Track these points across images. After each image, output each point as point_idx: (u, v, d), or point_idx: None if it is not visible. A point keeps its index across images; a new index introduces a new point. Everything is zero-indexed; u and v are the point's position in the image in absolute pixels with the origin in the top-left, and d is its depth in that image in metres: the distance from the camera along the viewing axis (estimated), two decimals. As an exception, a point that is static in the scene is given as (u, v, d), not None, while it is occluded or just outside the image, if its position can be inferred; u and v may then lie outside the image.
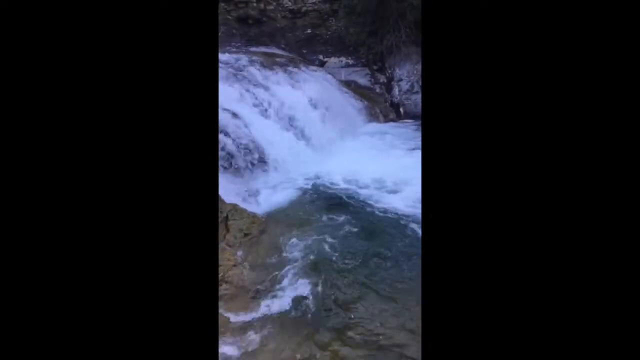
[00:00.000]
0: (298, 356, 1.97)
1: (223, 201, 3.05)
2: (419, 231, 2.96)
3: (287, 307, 2.26)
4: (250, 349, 2.01)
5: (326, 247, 2.79)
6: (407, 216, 3.17)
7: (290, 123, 4.28)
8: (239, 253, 2.74)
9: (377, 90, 5.75)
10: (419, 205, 3.25)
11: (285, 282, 2.46)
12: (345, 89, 5.37)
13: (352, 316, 2.16)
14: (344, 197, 3.50)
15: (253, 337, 2.07)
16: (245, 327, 2.12)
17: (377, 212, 3.26)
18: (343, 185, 3.70)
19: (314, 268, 2.57)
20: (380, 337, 2.07)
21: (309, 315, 2.22)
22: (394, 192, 3.53)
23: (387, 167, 3.86)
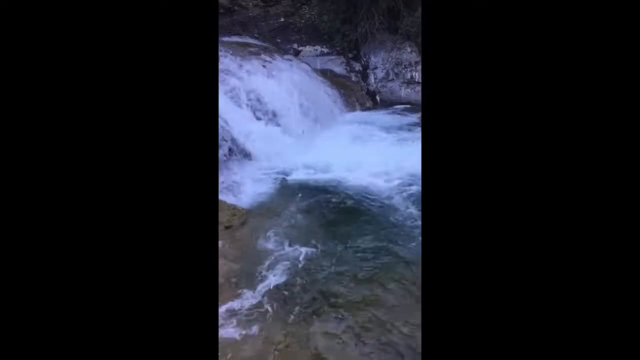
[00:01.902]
0: (281, 345, 1.98)
1: (202, 194, 3.01)
2: (407, 221, 2.99)
3: (270, 298, 2.26)
4: (234, 339, 2.01)
5: (308, 237, 2.80)
6: (390, 205, 3.19)
7: (267, 114, 4.24)
8: (220, 245, 2.71)
9: (353, 78, 5.75)
10: (404, 194, 3.29)
11: (267, 273, 2.46)
12: (321, 78, 5.34)
13: (342, 315, 2.16)
14: (323, 187, 3.51)
15: (237, 327, 2.07)
16: (228, 318, 2.12)
17: (359, 201, 3.28)
18: (322, 176, 3.70)
19: (297, 259, 2.57)
20: (364, 326, 2.10)
21: (292, 306, 2.22)
22: (376, 180, 3.55)
23: (367, 156, 3.88)
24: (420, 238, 2.70)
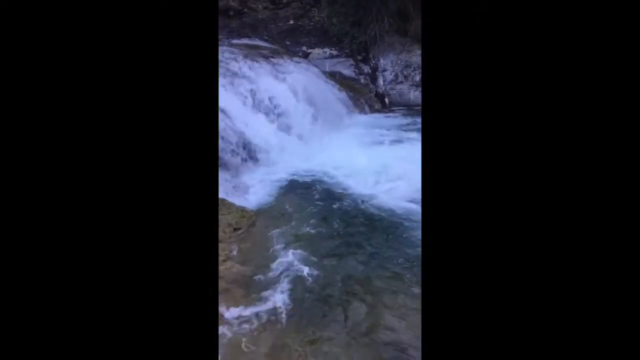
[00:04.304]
0: (295, 348, 1.96)
1: (211, 196, 3.01)
2: (409, 224, 2.97)
3: (281, 300, 2.25)
4: (246, 342, 2.00)
5: (317, 240, 2.78)
6: (397, 211, 3.16)
7: (276, 116, 4.24)
8: (229, 248, 2.71)
9: (362, 80, 5.73)
10: (412, 199, 3.26)
11: (277, 275, 2.45)
12: (330, 80, 5.34)
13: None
14: (333, 190, 3.49)
15: (248, 330, 2.06)
16: (239, 321, 2.11)
17: (367, 206, 3.26)
18: (332, 178, 3.68)
19: (306, 261, 2.56)
20: (379, 330, 2.08)
21: (303, 308, 2.21)
22: (385, 185, 3.52)
23: (377, 160, 3.85)
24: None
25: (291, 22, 6.32)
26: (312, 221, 3.02)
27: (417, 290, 2.29)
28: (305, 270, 2.48)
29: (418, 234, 2.82)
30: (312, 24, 6.27)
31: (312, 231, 2.89)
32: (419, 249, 2.66)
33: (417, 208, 3.11)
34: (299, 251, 2.65)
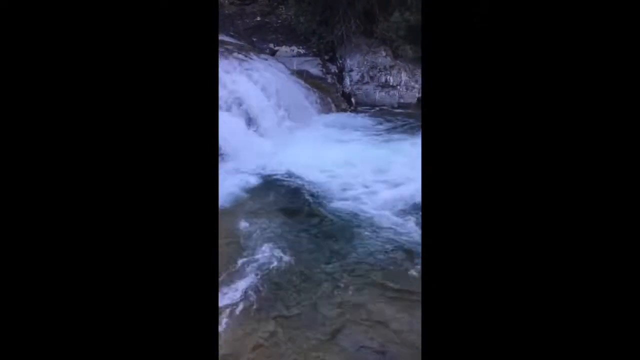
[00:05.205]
0: (257, 340, 1.96)
1: (175, 193, 2.93)
2: (378, 227, 3.00)
3: (244, 295, 2.24)
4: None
5: (282, 237, 2.77)
6: (363, 209, 3.18)
7: (242, 113, 4.18)
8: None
9: (329, 80, 5.76)
10: (373, 198, 3.31)
11: (241, 271, 2.43)
12: (297, 79, 5.33)
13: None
14: (298, 188, 3.49)
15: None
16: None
17: (332, 204, 3.28)
18: (298, 177, 3.67)
19: (270, 259, 2.55)
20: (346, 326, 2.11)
21: (266, 302, 2.20)
22: (351, 184, 3.55)
23: (343, 158, 3.88)
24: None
25: (258, 18, 6.26)
26: (278, 217, 3.01)
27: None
28: (273, 265, 2.48)
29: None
30: (279, 21, 6.23)
31: (279, 228, 2.88)
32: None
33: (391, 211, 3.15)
34: (265, 246, 2.64)
